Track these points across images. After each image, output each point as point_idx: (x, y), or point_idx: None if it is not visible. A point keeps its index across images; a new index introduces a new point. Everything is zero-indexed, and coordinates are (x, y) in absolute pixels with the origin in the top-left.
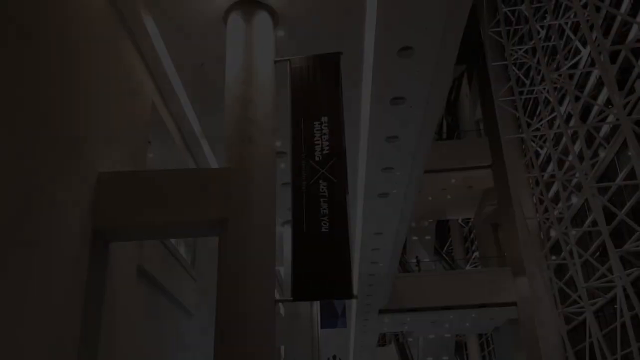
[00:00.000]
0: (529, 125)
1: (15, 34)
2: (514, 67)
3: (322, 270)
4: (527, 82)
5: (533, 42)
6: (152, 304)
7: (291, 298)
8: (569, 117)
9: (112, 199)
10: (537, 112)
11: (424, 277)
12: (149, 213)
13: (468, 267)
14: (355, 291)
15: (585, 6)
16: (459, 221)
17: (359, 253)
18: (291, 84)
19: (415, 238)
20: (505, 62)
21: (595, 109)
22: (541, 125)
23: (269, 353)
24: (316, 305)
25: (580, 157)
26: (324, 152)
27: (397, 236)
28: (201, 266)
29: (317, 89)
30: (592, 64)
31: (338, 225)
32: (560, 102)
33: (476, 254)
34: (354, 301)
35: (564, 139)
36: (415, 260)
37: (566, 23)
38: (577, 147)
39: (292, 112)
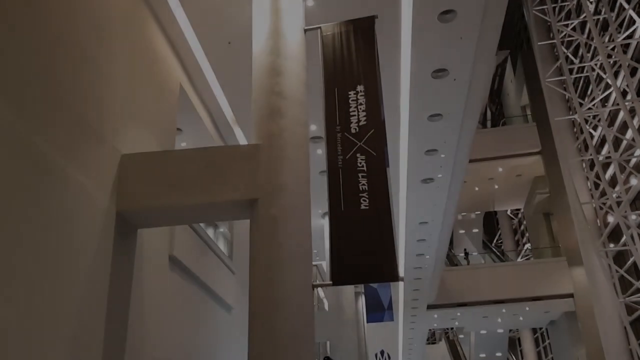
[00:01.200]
0: (580, 105)
1: (38, 11)
2: (562, 46)
3: (364, 251)
4: (577, 60)
5: (584, 15)
6: (187, 297)
7: (330, 282)
8: (624, 93)
9: (136, 181)
10: (589, 92)
11: (474, 270)
12: (175, 195)
13: (520, 260)
14: (401, 273)
15: None
16: (508, 212)
17: (404, 245)
18: (323, 52)
19: (462, 231)
20: (552, 42)
21: None
22: (594, 105)
23: (308, 342)
24: (361, 298)
25: None
26: (361, 123)
27: (444, 225)
28: (240, 259)
29: (351, 57)
30: None
31: (379, 202)
32: (615, 78)
33: (527, 245)
34: (400, 295)
35: (620, 116)
36: (463, 254)
37: None
38: (635, 124)
39: (324, 81)
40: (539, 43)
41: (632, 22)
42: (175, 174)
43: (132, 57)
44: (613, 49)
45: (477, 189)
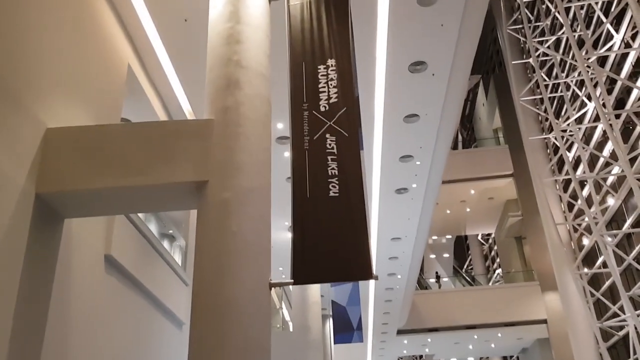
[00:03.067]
0: (556, 123)
1: None
2: (537, 62)
3: (331, 244)
4: (551, 78)
5: (562, 31)
6: (127, 306)
7: (291, 280)
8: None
9: (63, 159)
10: (564, 111)
11: (445, 294)
12: (109, 177)
13: (491, 285)
14: (374, 271)
15: None
16: (479, 238)
17: (374, 263)
18: (289, 22)
19: (432, 256)
20: (526, 60)
21: (635, 94)
22: (568, 124)
23: (263, 353)
24: (329, 321)
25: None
26: (331, 101)
27: (417, 242)
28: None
29: (321, 29)
30: (629, 46)
31: (351, 188)
32: (589, 97)
33: (499, 271)
34: (370, 319)
35: (597, 133)
36: (435, 279)
37: (596, 3)
38: (610, 144)
39: (290, 54)
40: (513, 62)
41: (609, 37)
42: (111, 153)
43: (74, 27)
44: (592, 63)
45: (448, 211)
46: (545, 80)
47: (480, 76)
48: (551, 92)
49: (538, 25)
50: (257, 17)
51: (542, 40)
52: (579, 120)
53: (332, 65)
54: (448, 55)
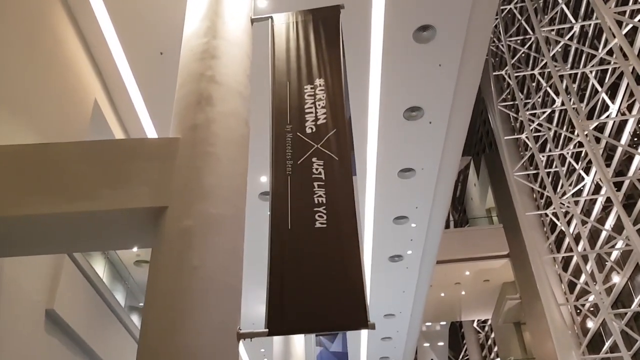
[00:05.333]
0: (548, 202)
1: None
2: (532, 136)
3: (317, 284)
4: (545, 151)
5: (555, 105)
6: None
7: (265, 330)
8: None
9: None
10: (559, 185)
11: None
12: (46, 201)
13: None
14: (370, 318)
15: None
16: (474, 325)
17: (365, 345)
18: (273, 41)
19: (426, 344)
20: (519, 136)
21: (637, 161)
22: (566, 199)
23: None
24: None
25: (619, 227)
26: (319, 122)
27: (413, 319)
28: None
29: (308, 48)
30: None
31: (343, 218)
32: (587, 172)
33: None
34: None
35: (597, 206)
36: None
37: (590, 72)
38: (612, 218)
39: (272, 73)
40: (505, 137)
41: (604, 107)
42: (52, 174)
43: (30, 44)
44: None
45: (443, 294)
46: (540, 154)
47: (470, 158)
48: (545, 167)
49: (528, 102)
50: (236, 34)
51: (535, 113)
52: (577, 194)
53: (320, 84)
54: (447, 98)
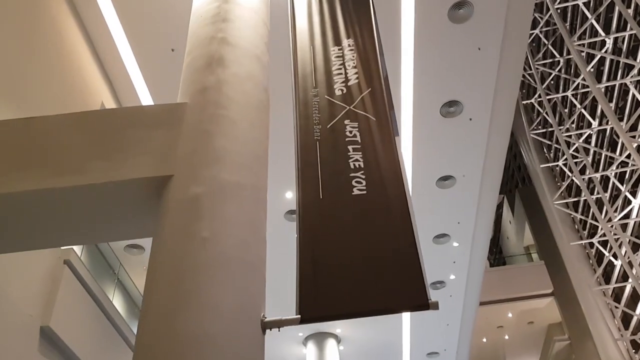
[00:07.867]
0: (591, 232)
1: None
2: (571, 157)
3: (359, 258)
4: (585, 179)
5: (592, 127)
6: None
7: (297, 317)
8: None
9: None
10: (604, 212)
11: None
12: (29, 177)
13: None
14: (430, 296)
15: None
16: None
17: None
18: (292, 6)
19: None
20: (555, 164)
21: None
22: (613, 224)
23: None
24: None
25: None
26: (350, 83)
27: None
28: None
29: (333, 11)
30: None
31: (387, 182)
32: (634, 195)
33: None
34: None
35: None
36: None
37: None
38: None
39: (293, 36)
40: (542, 165)
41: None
42: (40, 149)
43: (35, 48)
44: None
45: (484, 340)
46: (581, 178)
47: (503, 195)
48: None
49: (561, 128)
50: None
51: (570, 136)
52: (626, 216)
53: (349, 45)
54: (488, 91)
